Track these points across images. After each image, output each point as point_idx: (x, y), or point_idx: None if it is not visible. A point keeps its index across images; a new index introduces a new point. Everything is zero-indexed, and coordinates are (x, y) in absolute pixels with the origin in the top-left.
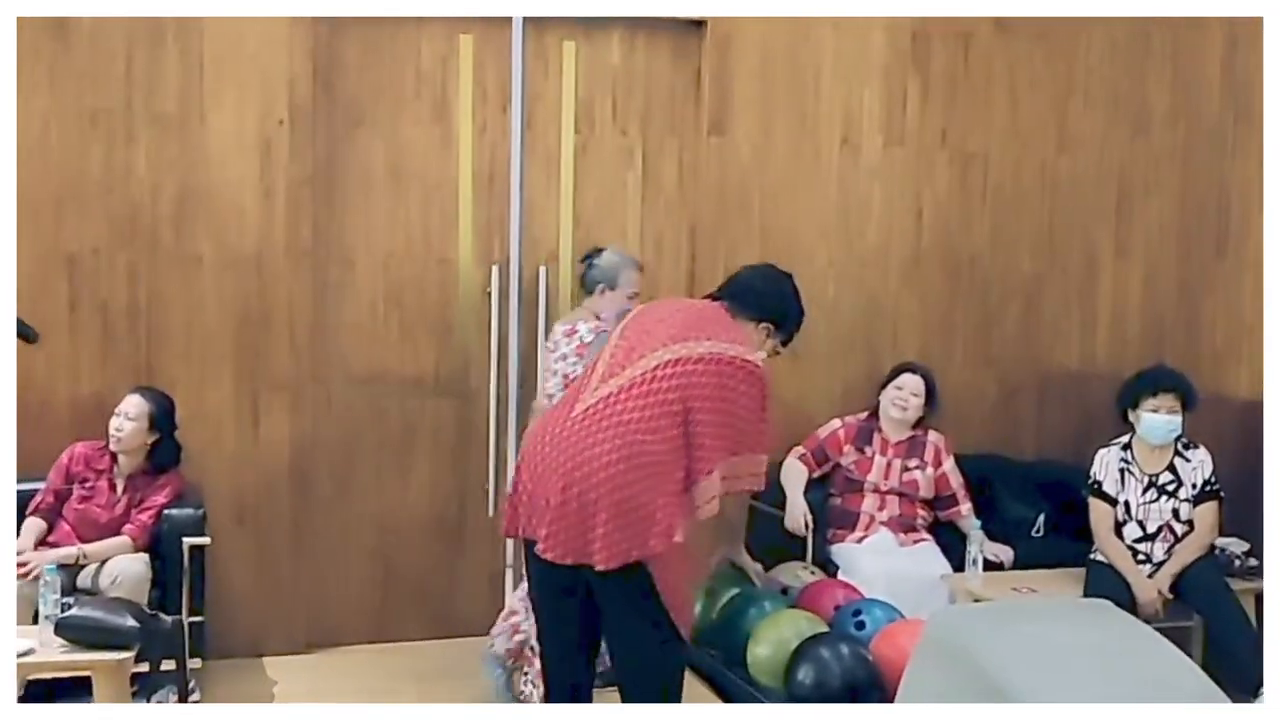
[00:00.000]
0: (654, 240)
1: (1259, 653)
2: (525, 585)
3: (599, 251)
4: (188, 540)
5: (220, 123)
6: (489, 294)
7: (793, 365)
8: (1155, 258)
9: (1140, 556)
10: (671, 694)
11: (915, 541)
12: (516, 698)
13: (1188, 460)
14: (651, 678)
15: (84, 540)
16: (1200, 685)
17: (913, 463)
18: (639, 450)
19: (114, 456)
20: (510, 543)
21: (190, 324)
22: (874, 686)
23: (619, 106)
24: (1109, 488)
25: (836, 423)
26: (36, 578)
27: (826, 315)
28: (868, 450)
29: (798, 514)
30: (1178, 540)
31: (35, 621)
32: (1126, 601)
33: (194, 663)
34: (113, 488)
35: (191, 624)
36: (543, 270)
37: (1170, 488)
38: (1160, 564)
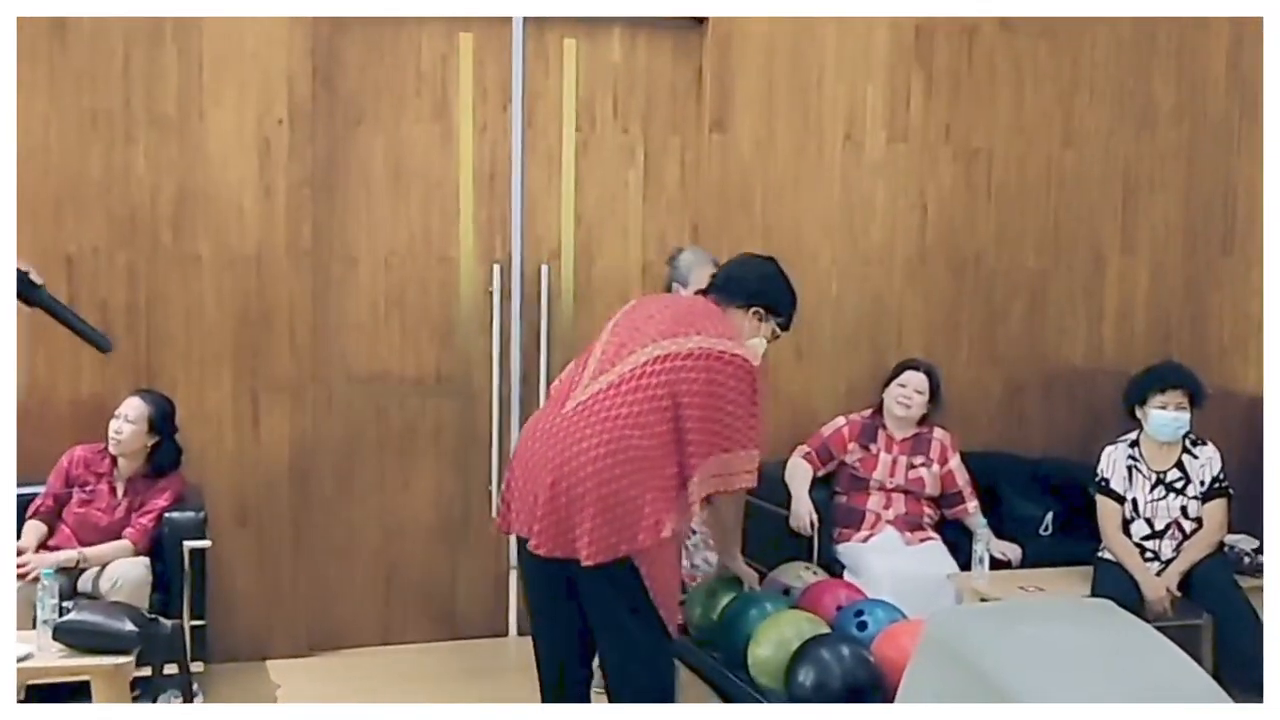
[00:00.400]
0: (656, 238)
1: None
2: None
3: (680, 251)
4: (189, 544)
5: (220, 122)
6: (491, 293)
7: (797, 363)
8: (1161, 254)
9: (1148, 554)
10: (661, 691)
11: (921, 540)
12: None
13: (1196, 457)
14: (639, 675)
15: (84, 544)
16: (1202, 685)
17: (918, 460)
18: (626, 445)
19: (114, 459)
20: (514, 544)
21: (190, 324)
22: (875, 687)
23: (620, 104)
24: (1116, 485)
25: (841, 420)
26: (36, 580)
27: (830, 313)
28: (872, 448)
29: (803, 513)
30: (1186, 538)
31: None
32: (1134, 600)
33: (196, 667)
34: (113, 491)
35: (193, 628)
36: (544, 269)
37: (1178, 485)
38: (1168, 562)
